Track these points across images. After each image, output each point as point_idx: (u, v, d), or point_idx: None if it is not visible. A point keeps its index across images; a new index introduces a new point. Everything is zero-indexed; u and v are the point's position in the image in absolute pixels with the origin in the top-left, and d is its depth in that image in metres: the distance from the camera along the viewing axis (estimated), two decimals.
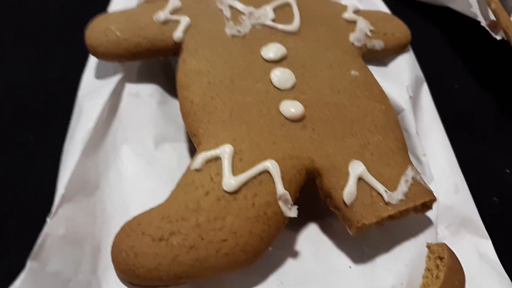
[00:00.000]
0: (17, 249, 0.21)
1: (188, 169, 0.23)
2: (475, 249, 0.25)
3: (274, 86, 0.26)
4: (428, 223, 0.25)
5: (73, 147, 0.23)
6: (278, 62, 0.27)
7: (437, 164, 0.28)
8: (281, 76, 0.26)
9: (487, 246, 0.25)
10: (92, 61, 0.30)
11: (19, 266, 0.18)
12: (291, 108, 0.25)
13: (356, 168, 0.24)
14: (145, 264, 0.20)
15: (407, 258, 0.24)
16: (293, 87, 0.26)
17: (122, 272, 0.20)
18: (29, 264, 0.18)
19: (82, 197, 0.22)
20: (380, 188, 0.23)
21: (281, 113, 0.25)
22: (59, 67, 0.33)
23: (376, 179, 0.23)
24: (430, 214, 0.25)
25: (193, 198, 0.21)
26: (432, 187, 0.25)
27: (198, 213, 0.21)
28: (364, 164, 0.24)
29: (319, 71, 0.28)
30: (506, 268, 0.25)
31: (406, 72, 0.32)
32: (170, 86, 0.30)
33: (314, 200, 0.25)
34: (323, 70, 0.28)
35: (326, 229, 0.25)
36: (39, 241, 0.18)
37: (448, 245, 0.24)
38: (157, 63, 0.31)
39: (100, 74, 0.29)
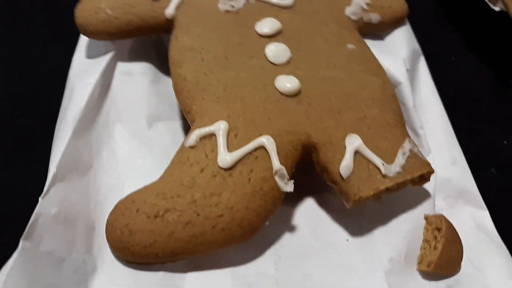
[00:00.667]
0: (10, 230, 0.21)
1: (182, 146, 0.22)
2: (472, 219, 0.25)
3: (269, 61, 0.25)
4: (426, 195, 0.25)
5: (65, 127, 0.23)
6: (273, 37, 0.27)
7: (435, 136, 0.28)
8: (276, 51, 0.26)
9: (485, 216, 0.25)
10: (83, 41, 0.30)
11: (13, 247, 0.18)
12: (287, 83, 0.24)
13: (353, 142, 0.23)
14: (140, 241, 0.20)
15: (405, 230, 0.24)
16: (288, 62, 0.26)
17: (117, 250, 0.20)
18: (22, 243, 0.18)
19: (75, 176, 0.22)
20: (377, 161, 0.23)
21: (276, 88, 0.24)
22: (50, 47, 0.33)
23: (373, 152, 0.23)
24: (427, 186, 0.25)
25: (188, 175, 0.21)
26: (429, 159, 0.25)
27: (193, 189, 0.21)
28: (361, 137, 0.24)
29: (314, 46, 0.27)
30: (504, 238, 0.25)
31: (403, 45, 0.32)
32: (162, 64, 0.29)
33: (311, 175, 0.25)
34: (319, 44, 0.27)
35: (323, 203, 0.25)
36: (32, 220, 0.18)
37: (446, 217, 0.24)
38: (149, 41, 0.30)
39: (91, 54, 0.29)
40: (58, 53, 0.30)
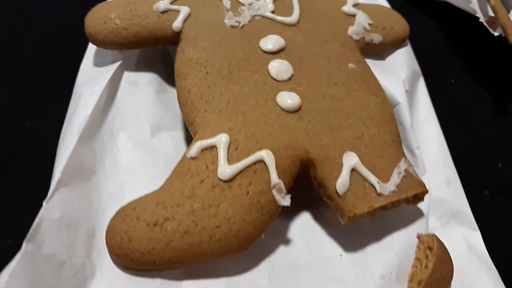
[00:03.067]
0: (13, 232, 0.22)
1: (184, 157, 0.23)
2: (464, 240, 0.26)
3: (272, 77, 0.26)
4: (419, 214, 0.26)
5: (70, 133, 0.23)
6: (276, 53, 0.27)
7: (431, 157, 0.29)
8: (278, 68, 0.26)
9: (477, 238, 0.26)
10: (91, 49, 0.30)
11: (15, 249, 0.19)
12: (288, 99, 0.25)
13: (350, 160, 0.24)
14: (139, 248, 0.20)
15: (397, 247, 0.24)
16: (290, 79, 0.26)
17: (116, 256, 0.20)
18: (25, 246, 0.18)
19: (78, 182, 0.22)
20: (373, 179, 0.23)
21: (277, 104, 0.25)
22: (58, 54, 0.33)
23: (370, 170, 0.24)
24: (421, 205, 0.26)
25: (189, 185, 0.22)
26: (424, 179, 0.26)
27: (193, 199, 0.21)
28: (358, 155, 0.24)
29: (316, 64, 0.28)
30: (494, 260, 0.25)
31: (403, 66, 0.32)
32: (168, 75, 0.30)
33: (308, 190, 0.25)
34: (321, 62, 0.28)
35: (318, 218, 0.25)
36: (35, 223, 0.19)
37: (438, 236, 0.24)
38: (156, 52, 0.31)
39: (99, 62, 0.29)
40: (66, 60, 0.31)
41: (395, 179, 0.24)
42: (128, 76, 0.29)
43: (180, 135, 0.28)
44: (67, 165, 0.22)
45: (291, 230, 0.24)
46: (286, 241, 0.24)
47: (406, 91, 0.30)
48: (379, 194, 0.23)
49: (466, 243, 0.26)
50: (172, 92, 0.29)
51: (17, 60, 0.33)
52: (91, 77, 0.28)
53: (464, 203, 0.27)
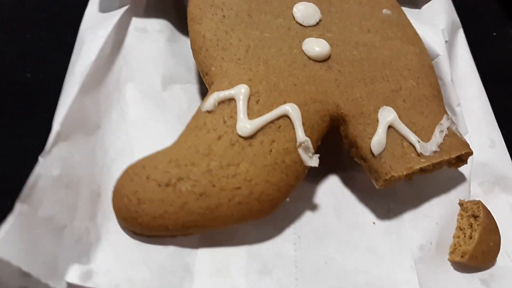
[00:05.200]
0: (14, 192, 0.19)
1: (199, 111, 0.20)
2: (510, 209, 0.24)
3: (297, 22, 0.24)
4: (461, 178, 0.24)
5: (72, 82, 0.21)
6: None
7: (472, 116, 0.26)
8: (305, 11, 0.24)
9: None
10: None
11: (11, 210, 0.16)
12: (316, 46, 0.23)
13: (387, 115, 0.21)
14: (149, 211, 0.18)
15: (437, 215, 0.22)
16: (318, 24, 0.24)
17: (124, 220, 0.18)
18: (18, 207, 0.16)
19: (81, 136, 0.20)
20: (413, 138, 0.21)
21: (304, 52, 0.23)
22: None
23: (409, 127, 0.21)
24: (463, 169, 0.24)
25: (204, 142, 0.19)
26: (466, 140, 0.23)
27: (209, 158, 0.19)
28: (395, 111, 0.22)
29: (347, 8, 0.25)
30: None
31: (442, 15, 0.29)
32: (181, 22, 0.27)
33: (337, 150, 0.23)
34: (352, 6, 0.25)
35: (349, 182, 0.23)
36: (30, 182, 0.16)
37: None
38: None
39: (105, 7, 0.27)
40: (70, 6, 0.28)
41: (437, 138, 0.21)
42: (136, 22, 0.26)
43: (194, 88, 0.25)
44: (68, 117, 0.19)
45: (318, 194, 0.22)
46: (313, 207, 0.22)
47: (446, 42, 0.27)
48: (419, 155, 0.21)
49: None
50: (185, 42, 0.26)
51: (15, 7, 0.30)
52: (96, 22, 0.25)
53: (510, 168, 0.25)
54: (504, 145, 0.26)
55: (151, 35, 0.26)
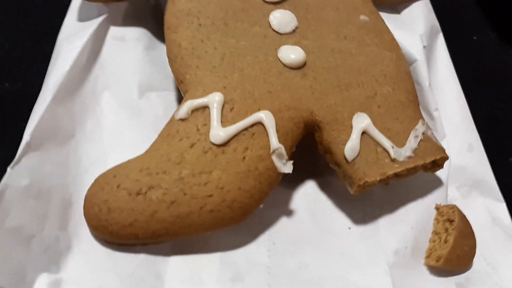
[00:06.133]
0: None
1: (172, 119, 0.20)
2: (487, 212, 0.24)
3: (273, 30, 0.24)
4: (438, 183, 0.24)
5: (45, 93, 0.21)
6: (278, 3, 0.25)
7: (450, 120, 0.26)
8: (281, 19, 0.24)
9: (501, 209, 0.24)
10: (76, 2, 0.28)
11: None
12: (291, 54, 0.23)
13: (361, 121, 0.21)
14: (119, 220, 0.18)
15: (413, 220, 0.22)
16: (294, 31, 0.24)
17: (94, 228, 0.18)
18: None
19: (53, 146, 0.20)
20: (386, 143, 0.21)
21: (279, 59, 0.23)
22: (40, 8, 0.30)
23: (383, 133, 0.21)
24: (440, 173, 0.24)
25: (177, 150, 0.19)
26: (443, 144, 0.24)
27: (181, 166, 0.19)
28: (370, 117, 0.22)
29: (324, 14, 0.25)
30: None
31: (421, 20, 0.30)
32: (159, 30, 0.27)
33: (313, 156, 0.23)
34: (329, 13, 0.25)
35: (324, 187, 0.23)
36: None
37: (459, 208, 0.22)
38: (146, 4, 0.28)
39: (83, 17, 0.27)
40: (49, 16, 0.28)
41: (411, 143, 0.21)
42: (114, 31, 0.26)
43: (171, 96, 0.25)
44: (39, 127, 0.19)
45: (293, 200, 0.22)
46: (288, 213, 0.22)
47: (424, 47, 0.28)
48: (393, 160, 0.21)
49: (489, 215, 0.23)
50: (163, 49, 0.26)
51: None
52: (73, 32, 0.25)
53: (488, 171, 0.25)
54: (483, 149, 0.26)
55: (129, 43, 0.26)
